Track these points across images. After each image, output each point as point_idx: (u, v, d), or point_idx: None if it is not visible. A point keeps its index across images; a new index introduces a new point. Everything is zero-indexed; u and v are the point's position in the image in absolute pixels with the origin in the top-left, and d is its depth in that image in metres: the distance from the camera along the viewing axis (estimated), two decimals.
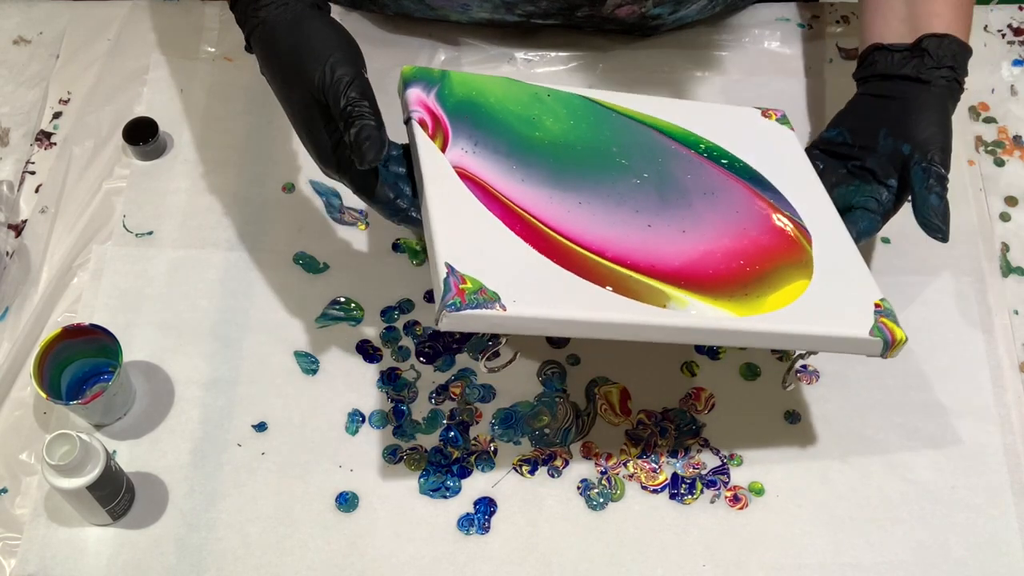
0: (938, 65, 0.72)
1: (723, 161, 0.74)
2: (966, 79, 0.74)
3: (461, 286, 0.59)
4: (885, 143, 0.71)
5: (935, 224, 0.68)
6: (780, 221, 0.70)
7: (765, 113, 0.80)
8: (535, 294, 0.60)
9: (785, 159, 0.76)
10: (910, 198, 0.70)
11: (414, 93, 0.72)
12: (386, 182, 0.66)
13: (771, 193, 0.72)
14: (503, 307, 0.59)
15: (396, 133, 0.70)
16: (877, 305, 0.67)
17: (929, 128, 0.70)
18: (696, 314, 0.62)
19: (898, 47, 0.74)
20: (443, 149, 0.68)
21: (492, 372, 0.70)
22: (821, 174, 0.74)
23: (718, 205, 0.70)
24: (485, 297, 0.59)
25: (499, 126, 0.71)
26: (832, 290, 0.67)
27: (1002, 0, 0.98)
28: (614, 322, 0.61)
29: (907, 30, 0.74)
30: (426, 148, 0.68)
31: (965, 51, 0.73)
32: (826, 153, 0.76)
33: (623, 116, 0.75)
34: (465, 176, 0.67)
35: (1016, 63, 0.94)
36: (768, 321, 0.63)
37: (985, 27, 0.96)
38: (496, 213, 0.64)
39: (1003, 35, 0.95)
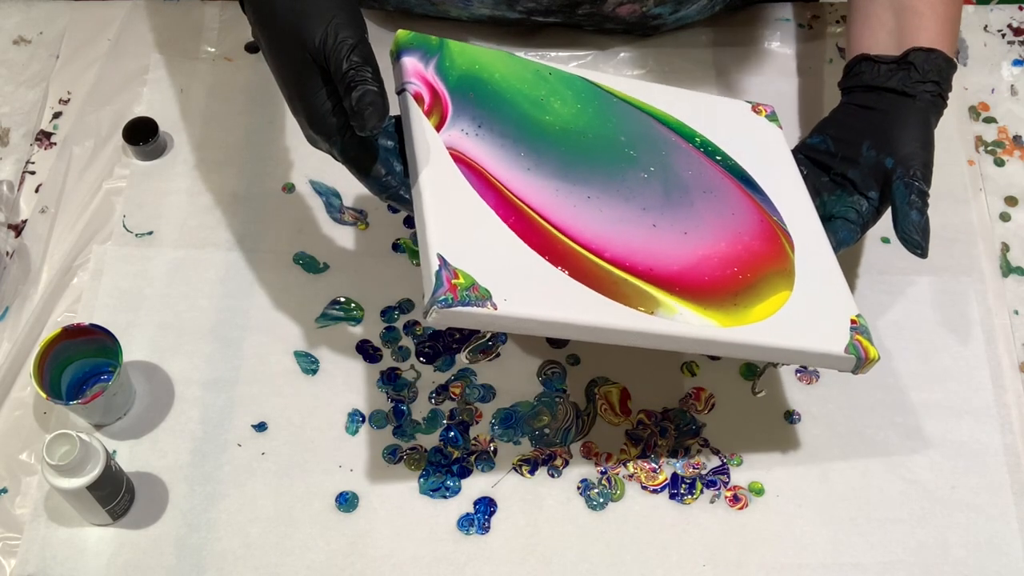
0: (924, 79, 0.72)
1: (717, 157, 0.73)
2: (950, 94, 0.74)
3: (454, 281, 0.57)
4: (868, 155, 0.71)
5: (915, 240, 0.68)
6: (770, 226, 0.70)
7: (755, 108, 0.79)
8: (526, 293, 0.59)
9: (772, 160, 0.75)
10: (890, 211, 0.70)
11: (410, 63, 0.68)
12: (377, 157, 0.64)
13: (760, 195, 0.72)
14: (494, 305, 0.57)
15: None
16: (853, 321, 0.67)
17: (912, 143, 0.70)
18: (682, 322, 0.62)
19: (884, 59, 0.74)
20: (439, 128, 0.65)
21: (472, 363, 0.73)
22: (804, 179, 0.74)
23: (716, 205, 0.70)
24: (477, 294, 0.57)
25: (507, 106, 0.69)
26: (811, 303, 0.67)
27: (1002, 0, 0.98)
28: (601, 326, 0.60)
29: (894, 42, 0.74)
30: (420, 126, 0.65)
31: (951, 66, 0.73)
32: (809, 159, 0.76)
33: (624, 102, 0.74)
34: (461, 160, 0.64)
35: (1016, 63, 0.94)
36: (750, 333, 0.64)
37: (985, 27, 0.96)
38: (491, 203, 0.62)
39: (1003, 35, 0.95)
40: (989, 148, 0.89)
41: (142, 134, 0.85)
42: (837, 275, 0.69)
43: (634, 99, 0.75)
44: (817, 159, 0.75)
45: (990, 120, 0.91)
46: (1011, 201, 0.86)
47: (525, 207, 0.63)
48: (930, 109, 0.72)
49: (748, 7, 0.95)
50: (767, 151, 0.76)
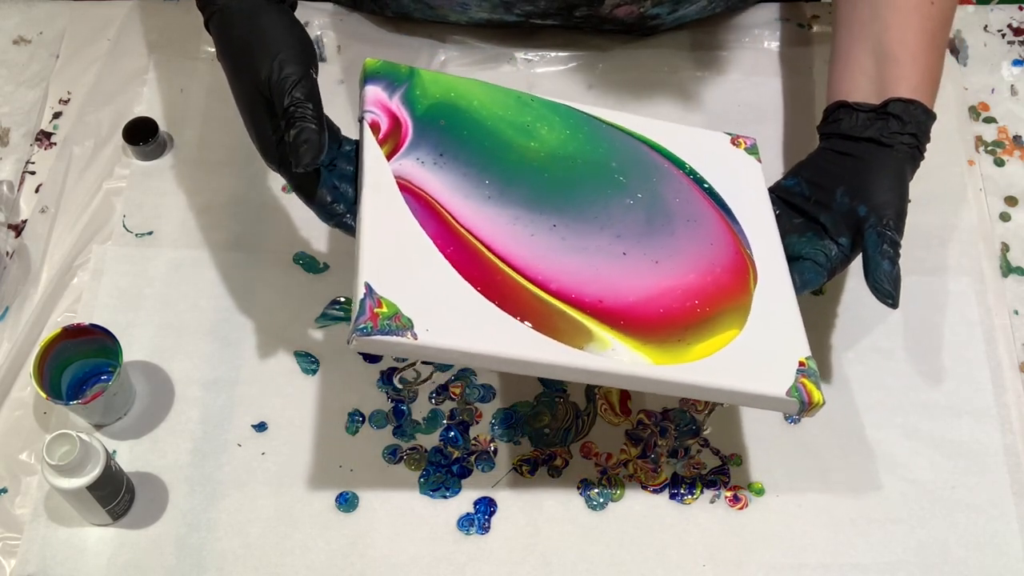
0: (902, 131, 0.72)
1: (704, 186, 0.73)
2: (927, 145, 0.74)
3: (376, 309, 0.58)
4: (841, 202, 0.71)
5: (886, 289, 0.67)
6: (743, 259, 0.70)
7: (735, 140, 0.78)
8: (449, 325, 0.59)
9: (747, 194, 0.74)
10: (860, 259, 0.70)
11: (372, 91, 0.69)
12: (325, 185, 0.65)
13: (737, 227, 0.72)
14: (414, 336, 0.58)
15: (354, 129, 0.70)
16: (801, 364, 0.66)
17: (887, 193, 0.70)
18: (612, 358, 0.61)
19: (864, 107, 0.73)
20: (391, 156, 0.66)
21: (404, 388, 0.74)
22: (776, 219, 0.74)
23: (697, 234, 0.70)
24: (398, 324, 0.58)
25: (485, 133, 0.70)
26: (759, 342, 0.66)
27: (1002, 0, 0.98)
28: (523, 359, 0.60)
29: (874, 90, 0.74)
30: (371, 155, 0.66)
31: (929, 118, 0.73)
32: (782, 200, 0.75)
33: (614, 128, 0.74)
34: (408, 189, 0.65)
35: (1016, 63, 0.94)
36: (684, 372, 0.62)
37: (985, 27, 0.96)
38: (431, 232, 0.63)
39: (1003, 35, 0.95)
40: (989, 148, 0.89)
41: (142, 134, 0.85)
42: (794, 315, 0.68)
43: (622, 126, 0.75)
44: (791, 201, 0.74)
45: (990, 120, 0.91)
46: (1011, 201, 0.86)
47: (470, 237, 0.64)
48: (906, 160, 0.72)
49: (748, 7, 0.95)
50: (743, 185, 0.75)
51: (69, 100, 0.89)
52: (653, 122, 0.76)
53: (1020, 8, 0.97)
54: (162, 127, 0.86)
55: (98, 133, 0.87)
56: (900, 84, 0.73)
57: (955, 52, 0.93)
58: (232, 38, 0.65)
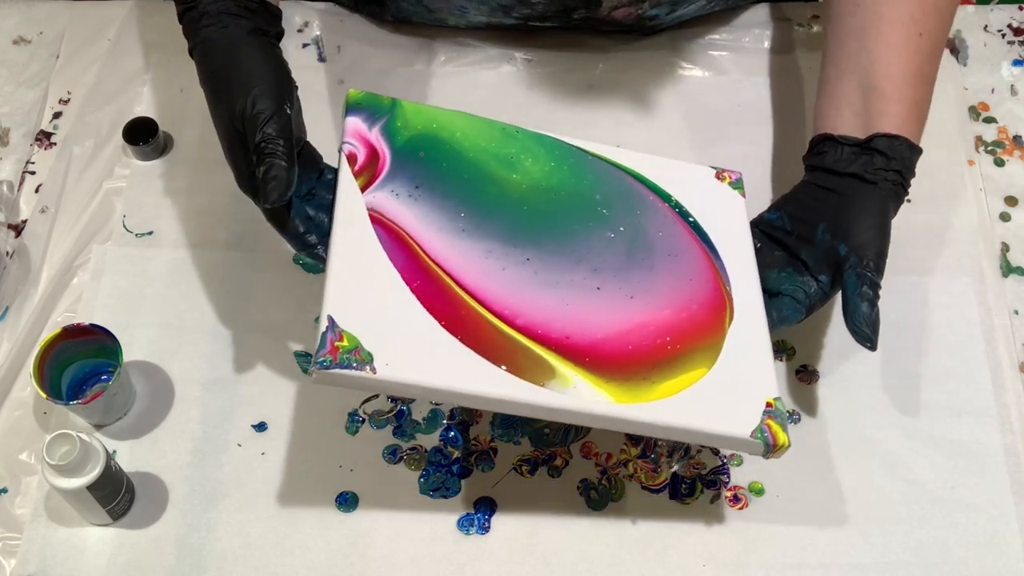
0: (886, 167, 0.71)
1: (689, 219, 0.73)
2: (912, 180, 0.73)
3: (337, 343, 0.59)
4: (822, 239, 0.70)
5: (864, 332, 0.67)
6: (722, 296, 0.69)
7: (719, 175, 0.77)
8: (409, 359, 0.60)
9: (730, 229, 0.74)
10: (840, 297, 0.69)
11: (352, 123, 0.69)
12: (299, 215, 0.66)
13: (719, 263, 0.71)
14: (373, 370, 0.59)
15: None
16: (769, 404, 0.65)
17: (868, 232, 0.69)
18: (573, 396, 0.61)
19: (849, 140, 0.72)
20: (366, 188, 0.66)
21: (375, 419, 0.74)
22: (757, 253, 0.73)
23: (678, 269, 0.69)
24: (357, 358, 0.59)
25: (465, 165, 0.69)
26: (728, 382, 0.65)
27: (1002, 0, 0.98)
28: (482, 395, 0.60)
29: (859, 123, 0.73)
30: (345, 186, 0.66)
31: (914, 153, 0.72)
32: (764, 234, 0.75)
33: (600, 160, 0.74)
34: (380, 221, 0.65)
35: (1016, 63, 0.94)
36: (647, 411, 0.62)
37: (985, 27, 0.96)
38: (399, 266, 0.63)
39: (1003, 35, 0.95)
40: (989, 148, 0.89)
41: (142, 134, 0.85)
42: (765, 354, 0.68)
43: (608, 158, 0.74)
44: (773, 235, 0.74)
45: (990, 120, 0.91)
46: (1011, 201, 0.86)
47: (439, 271, 0.64)
48: (889, 197, 0.71)
49: (747, 7, 0.95)
50: (726, 220, 0.74)
51: (69, 100, 0.89)
52: (638, 155, 0.76)
53: (1020, 8, 0.97)
54: (162, 127, 0.86)
55: (98, 133, 0.87)
56: (884, 119, 0.72)
57: (955, 52, 0.93)
58: (211, 70, 0.66)
